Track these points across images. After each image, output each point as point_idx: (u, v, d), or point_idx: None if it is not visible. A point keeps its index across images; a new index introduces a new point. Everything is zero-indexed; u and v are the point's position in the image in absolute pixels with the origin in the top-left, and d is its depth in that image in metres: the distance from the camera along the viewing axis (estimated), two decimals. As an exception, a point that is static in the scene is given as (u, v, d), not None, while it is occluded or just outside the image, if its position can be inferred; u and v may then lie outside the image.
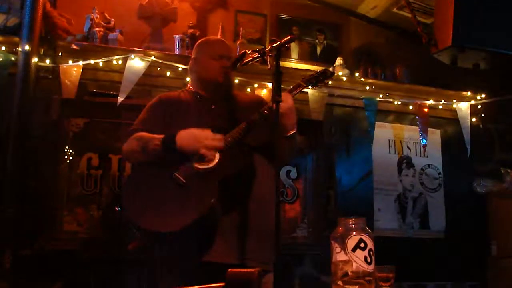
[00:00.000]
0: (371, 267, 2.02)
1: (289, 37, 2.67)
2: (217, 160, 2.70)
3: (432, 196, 5.68)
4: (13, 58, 4.35)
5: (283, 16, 5.84)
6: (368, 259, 2.02)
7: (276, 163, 2.59)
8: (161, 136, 2.77)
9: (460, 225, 5.57)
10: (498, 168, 5.65)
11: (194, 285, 1.72)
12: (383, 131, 5.59)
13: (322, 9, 5.92)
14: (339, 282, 2.01)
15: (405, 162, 5.67)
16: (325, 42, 5.93)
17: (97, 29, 4.83)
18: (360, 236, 2.04)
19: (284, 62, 5.32)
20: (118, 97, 4.51)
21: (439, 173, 5.76)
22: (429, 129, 5.64)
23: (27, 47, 4.20)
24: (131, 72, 4.61)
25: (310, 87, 3.22)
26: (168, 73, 4.80)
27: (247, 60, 2.79)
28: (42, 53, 4.46)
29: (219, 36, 5.06)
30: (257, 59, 2.78)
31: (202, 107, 2.99)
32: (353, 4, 5.96)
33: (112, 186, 4.70)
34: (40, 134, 4.42)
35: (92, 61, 4.61)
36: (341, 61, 5.50)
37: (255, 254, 2.73)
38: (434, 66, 4.96)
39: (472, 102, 5.76)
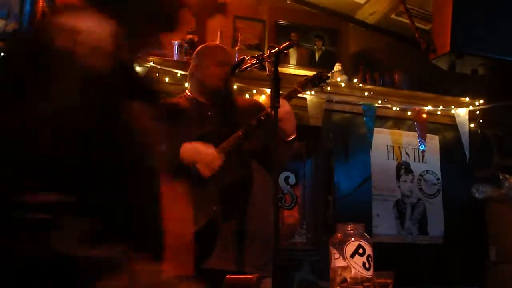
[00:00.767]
0: (369, 273, 2.02)
1: (287, 43, 2.68)
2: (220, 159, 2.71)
3: (431, 202, 5.68)
4: (11, 64, 4.34)
5: (281, 22, 5.85)
6: (367, 265, 2.02)
7: (274, 168, 2.59)
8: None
9: (459, 231, 5.56)
10: (497, 174, 5.65)
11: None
12: (382, 137, 5.59)
13: (320, 15, 5.93)
14: (338, 288, 2.01)
15: (403, 168, 5.67)
16: (323, 48, 5.94)
17: (96, 35, 4.82)
18: (358, 242, 2.04)
19: (282, 68, 5.31)
20: (117, 103, 4.50)
21: (438, 179, 5.76)
22: (427, 135, 5.65)
23: (25, 53, 4.20)
24: (129, 78, 4.60)
25: (307, 91, 3.23)
26: (166, 79, 4.80)
27: (245, 66, 2.80)
28: (40, 59, 4.45)
29: (217, 42, 5.08)
30: (255, 65, 2.79)
31: (200, 113, 2.99)
32: (352, 10, 5.97)
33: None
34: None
35: (90, 67, 4.61)
36: (340, 67, 5.50)
37: (253, 260, 2.74)
38: (433, 72, 4.98)
39: (471, 108, 5.77)
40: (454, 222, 5.63)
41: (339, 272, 2.03)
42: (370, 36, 6.11)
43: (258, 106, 3.22)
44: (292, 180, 5.30)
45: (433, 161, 5.78)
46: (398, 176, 5.63)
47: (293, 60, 5.78)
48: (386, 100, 5.57)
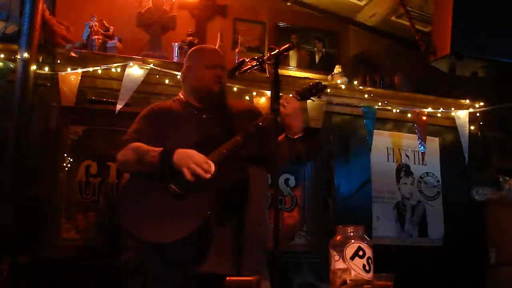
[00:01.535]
0: (369, 275, 2.02)
1: (287, 45, 2.68)
2: (212, 172, 2.70)
3: (431, 204, 5.68)
4: (12, 66, 4.34)
5: (281, 24, 5.86)
6: (367, 267, 2.02)
7: (274, 168, 2.59)
8: (159, 149, 2.76)
9: (459, 233, 5.56)
10: (497, 176, 5.65)
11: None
12: (382, 139, 5.59)
13: (320, 17, 5.94)
14: (338, 291, 2.01)
15: (403, 170, 5.67)
16: (323, 50, 5.94)
17: (96, 36, 4.83)
18: (358, 244, 2.04)
19: (282, 70, 5.32)
20: (117, 105, 4.51)
21: (438, 181, 5.76)
22: (427, 137, 5.64)
23: (26, 55, 4.20)
24: (129, 80, 4.61)
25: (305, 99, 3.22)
26: (166, 81, 4.80)
27: (245, 68, 2.80)
28: (40, 60, 4.46)
29: (217, 44, 5.08)
30: (255, 67, 2.79)
31: (193, 118, 2.99)
32: (352, 12, 5.98)
33: (110, 193, 4.69)
34: (38, 142, 4.41)
35: (90, 69, 4.61)
36: (340, 69, 5.50)
37: (250, 263, 2.73)
38: (433, 74, 4.98)
39: (471, 110, 5.76)
40: (454, 225, 5.63)
41: (339, 274, 2.03)
42: (370, 38, 6.13)
43: (253, 110, 3.22)
44: (292, 182, 5.30)
45: (433, 163, 5.78)
46: (398, 178, 5.63)
47: (293, 62, 5.79)
48: (386, 102, 5.57)
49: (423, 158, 5.71)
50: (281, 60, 2.71)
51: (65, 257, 4.36)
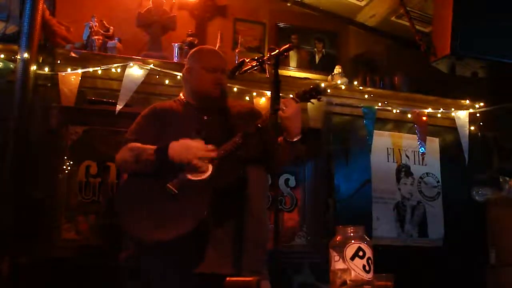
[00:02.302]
0: (369, 276, 2.02)
1: (287, 45, 2.68)
2: (210, 172, 2.70)
3: (431, 205, 5.68)
4: (12, 66, 4.35)
5: (281, 25, 5.86)
6: (367, 268, 2.02)
7: (273, 170, 2.59)
8: (154, 147, 2.76)
9: (459, 234, 5.56)
10: (497, 177, 5.64)
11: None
12: (382, 140, 5.59)
13: (320, 18, 5.94)
14: (338, 291, 2.01)
15: (403, 171, 5.66)
16: (323, 50, 5.94)
17: (96, 37, 4.83)
18: (358, 245, 2.04)
19: (282, 71, 5.32)
20: (117, 105, 4.51)
21: (438, 182, 5.75)
22: (427, 137, 5.64)
23: (26, 55, 4.20)
24: (129, 80, 4.61)
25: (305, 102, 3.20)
26: (166, 81, 4.80)
27: (245, 68, 2.79)
28: (41, 61, 4.46)
29: (217, 44, 5.08)
30: (255, 68, 2.79)
31: (194, 118, 2.98)
32: (352, 13, 5.98)
33: (110, 194, 4.69)
34: (39, 142, 4.41)
35: (91, 69, 4.62)
36: (340, 70, 5.50)
37: (249, 264, 2.73)
38: (433, 74, 4.98)
39: (471, 110, 5.76)
40: (454, 225, 5.63)
41: (339, 274, 2.03)
42: (370, 39, 6.13)
43: (254, 111, 3.21)
44: (292, 182, 5.30)
45: (433, 164, 5.77)
46: (398, 179, 5.63)
47: (293, 62, 5.79)
48: (386, 102, 5.57)
49: (423, 159, 5.71)
50: (281, 61, 2.71)
51: (65, 257, 4.36)
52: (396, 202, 5.56)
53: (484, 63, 4.46)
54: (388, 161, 5.62)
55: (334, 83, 5.41)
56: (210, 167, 2.71)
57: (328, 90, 5.27)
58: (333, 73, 5.51)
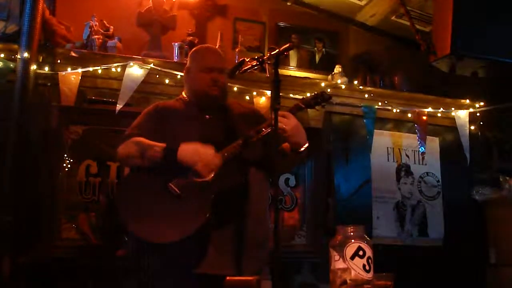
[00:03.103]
0: (369, 275, 2.02)
1: (287, 45, 2.68)
2: (213, 174, 2.70)
3: (431, 204, 5.67)
4: (12, 66, 4.34)
5: (281, 24, 5.86)
6: (367, 267, 2.02)
7: (275, 174, 2.60)
8: (162, 144, 2.77)
9: (459, 233, 5.56)
10: (497, 176, 5.65)
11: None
12: (382, 139, 5.59)
13: (320, 17, 5.94)
14: (338, 290, 2.01)
15: (403, 170, 5.66)
16: (323, 50, 5.94)
17: (96, 36, 4.83)
18: (358, 244, 2.05)
19: (282, 70, 5.32)
20: (117, 105, 4.51)
21: (438, 181, 5.75)
22: (427, 137, 5.64)
23: (26, 55, 4.20)
24: (130, 80, 4.61)
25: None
26: (167, 81, 4.80)
27: (245, 68, 2.79)
28: (41, 60, 4.46)
29: (217, 44, 5.08)
30: (255, 67, 2.79)
31: (196, 118, 2.99)
32: (352, 12, 5.98)
33: (110, 193, 4.68)
34: (39, 142, 4.41)
35: (91, 69, 4.61)
36: (340, 69, 5.50)
37: (250, 265, 2.74)
38: (433, 74, 4.98)
39: (471, 110, 5.76)
40: (454, 224, 5.62)
41: (339, 274, 2.04)
42: (370, 38, 6.13)
43: (257, 114, 3.22)
44: (292, 182, 5.29)
45: (433, 163, 5.77)
46: (398, 178, 5.63)
47: (293, 62, 5.79)
48: (386, 102, 5.57)
49: (423, 158, 5.71)
50: (281, 60, 2.71)
51: (65, 257, 4.36)
52: (396, 201, 5.55)
53: (484, 63, 4.46)
54: (388, 160, 5.61)
55: (334, 82, 5.41)
56: (217, 154, 2.74)
57: (328, 90, 5.27)
58: (333, 73, 5.51)
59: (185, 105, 3.08)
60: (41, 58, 4.46)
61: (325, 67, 5.77)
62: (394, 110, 5.59)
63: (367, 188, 5.43)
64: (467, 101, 5.82)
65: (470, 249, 5.44)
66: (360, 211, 5.30)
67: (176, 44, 5.07)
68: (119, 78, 4.64)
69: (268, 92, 4.94)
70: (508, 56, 4.36)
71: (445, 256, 5.47)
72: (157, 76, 4.80)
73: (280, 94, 2.57)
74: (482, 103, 5.79)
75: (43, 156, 4.46)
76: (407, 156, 5.70)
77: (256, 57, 2.76)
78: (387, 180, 5.56)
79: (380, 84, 5.74)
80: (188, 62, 3.18)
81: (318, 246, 5.11)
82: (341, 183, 5.35)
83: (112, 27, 4.99)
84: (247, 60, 2.82)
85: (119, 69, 4.67)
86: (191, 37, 5.18)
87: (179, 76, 4.75)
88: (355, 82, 5.54)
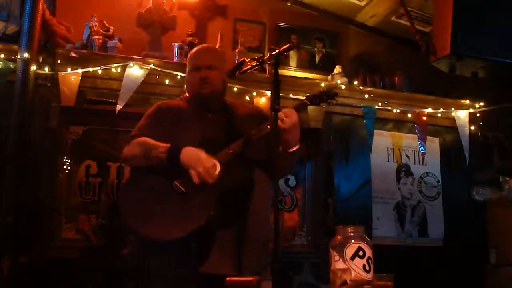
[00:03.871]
0: (369, 276, 2.02)
1: (287, 45, 2.68)
2: (217, 174, 2.72)
3: (431, 204, 5.68)
4: (12, 66, 4.35)
5: (281, 25, 5.86)
6: (367, 268, 2.02)
7: (276, 175, 2.60)
8: (166, 145, 2.78)
9: (459, 233, 5.56)
10: (497, 176, 5.64)
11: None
12: (382, 139, 5.59)
13: (320, 18, 5.94)
14: (338, 291, 2.01)
15: (403, 170, 5.66)
16: (323, 50, 5.94)
17: (96, 37, 4.84)
18: (358, 244, 2.04)
19: (282, 70, 5.32)
20: (117, 105, 4.51)
21: (438, 181, 5.75)
22: (427, 137, 5.64)
23: (26, 55, 4.20)
24: (130, 80, 4.61)
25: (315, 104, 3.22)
26: (167, 81, 4.80)
27: (245, 68, 2.80)
28: (41, 60, 4.46)
29: (218, 44, 5.08)
30: (255, 67, 2.79)
31: (199, 117, 3.00)
32: (352, 13, 5.98)
33: (110, 193, 4.69)
34: (39, 142, 4.42)
35: (91, 69, 4.61)
36: (340, 69, 5.50)
37: (251, 264, 2.74)
38: (433, 74, 4.97)
39: (471, 110, 5.76)
40: (454, 225, 5.62)
41: (339, 274, 2.03)
42: (370, 39, 6.13)
43: (260, 113, 3.23)
44: (292, 182, 5.29)
45: (433, 164, 5.77)
46: (398, 179, 5.63)
47: (293, 62, 5.79)
48: (386, 102, 5.57)
49: (423, 158, 5.71)
50: (281, 60, 2.71)
51: (65, 257, 4.36)
52: (396, 202, 5.56)
53: (484, 63, 4.45)
54: (388, 161, 5.61)
55: (334, 83, 5.41)
56: (218, 168, 2.73)
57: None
58: (333, 73, 5.51)
59: (188, 104, 3.10)
60: (41, 58, 4.46)
61: (325, 68, 5.77)
62: (394, 111, 5.59)
63: (367, 189, 5.44)
64: (467, 101, 5.82)
65: (470, 250, 5.44)
66: (360, 211, 5.31)
67: (176, 44, 5.07)
68: (119, 78, 4.64)
69: (268, 93, 4.94)
70: (508, 56, 4.36)
71: (445, 257, 5.47)
72: (157, 76, 4.80)
73: (280, 94, 2.57)
74: (482, 104, 5.79)
75: (43, 156, 4.46)
76: (407, 156, 5.70)
77: (256, 57, 2.76)
78: (387, 181, 5.56)
79: (380, 85, 5.74)
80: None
81: (318, 246, 5.11)
82: (341, 184, 5.36)
83: (112, 27, 5.00)
84: (247, 60, 2.83)
85: (119, 70, 4.67)
86: (191, 38, 5.18)
87: (179, 77, 4.75)
88: (355, 83, 5.54)
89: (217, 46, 4.99)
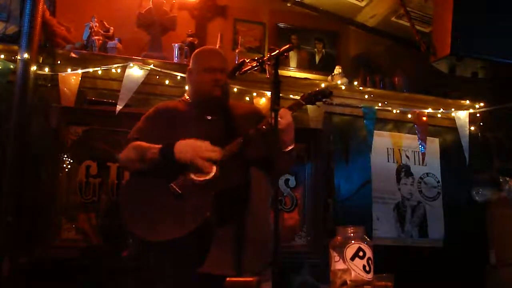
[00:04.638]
0: (369, 276, 2.02)
1: (287, 45, 2.68)
2: (214, 173, 2.72)
3: (431, 205, 5.68)
4: (12, 66, 4.35)
5: (281, 25, 5.86)
6: (367, 268, 2.02)
7: (273, 175, 2.60)
8: (159, 146, 2.78)
9: (459, 234, 5.55)
10: (497, 177, 5.64)
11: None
12: (382, 140, 5.59)
13: (320, 18, 5.94)
14: (338, 291, 2.01)
15: (403, 171, 5.66)
16: (323, 50, 5.94)
17: (96, 37, 4.84)
18: (359, 245, 2.05)
19: (282, 71, 5.32)
20: (117, 105, 4.51)
21: (438, 182, 5.75)
22: (427, 137, 5.64)
23: (26, 55, 4.20)
24: (130, 81, 4.61)
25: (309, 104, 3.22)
26: (167, 82, 4.80)
27: (245, 68, 2.80)
28: (41, 61, 4.46)
29: (217, 45, 5.08)
30: (255, 68, 2.79)
31: (198, 118, 3.00)
32: (352, 13, 5.98)
33: (110, 194, 4.69)
34: (39, 142, 4.41)
35: (91, 69, 4.62)
36: (340, 70, 5.50)
37: (251, 265, 2.74)
38: (433, 74, 4.98)
39: (471, 110, 5.76)
40: (454, 225, 5.62)
41: (339, 275, 2.04)
42: (370, 39, 6.13)
43: (258, 113, 3.23)
44: (292, 182, 5.29)
45: (433, 164, 5.77)
46: (398, 179, 5.63)
47: (293, 62, 5.79)
48: (386, 102, 5.57)
49: (423, 159, 5.70)
50: (281, 61, 2.71)
51: (65, 257, 4.36)
52: (396, 202, 5.56)
53: (484, 63, 4.46)
54: (388, 161, 5.61)
55: (334, 83, 5.41)
56: (214, 168, 2.73)
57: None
58: (333, 73, 5.51)
59: (187, 106, 3.10)
60: (41, 59, 4.47)
61: (325, 68, 5.77)
62: (394, 111, 5.59)
63: (367, 189, 5.44)
64: (467, 101, 5.82)
65: (470, 250, 5.44)
66: (360, 211, 5.30)
67: (176, 45, 5.07)
68: (119, 79, 4.64)
69: (268, 93, 4.94)
70: (508, 56, 4.37)
71: (445, 257, 5.47)
72: (157, 77, 4.80)
73: (280, 95, 2.57)
74: (482, 104, 5.79)
75: (43, 156, 4.46)
76: (407, 156, 5.70)
77: (256, 58, 2.76)
78: (387, 181, 5.56)
79: (380, 85, 5.74)
80: (191, 63, 3.19)
81: (318, 246, 5.10)
82: (341, 184, 5.36)
83: (112, 28, 5.00)
84: (247, 61, 2.82)
85: (119, 70, 4.67)
86: (191, 38, 5.18)
87: (179, 77, 4.75)
88: (355, 83, 5.54)
89: (217, 47, 5.00)
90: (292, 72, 5.68)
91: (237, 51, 5.34)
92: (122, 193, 3.50)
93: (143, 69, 4.67)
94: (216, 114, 3.04)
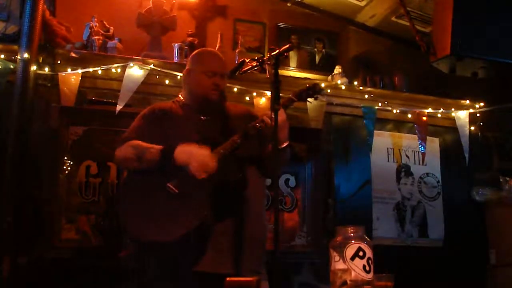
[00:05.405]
0: (369, 276, 2.02)
1: (287, 45, 2.69)
2: (206, 174, 2.72)
3: (431, 205, 5.68)
4: (12, 66, 4.35)
5: (281, 25, 5.86)
6: (367, 268, 2.02)
7: (268, 173, 2.61)
8: (159, 146, 2.78)
9: (459, 234, 5.56)
10: (497, 177, 5.65)
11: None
12: (382, 140, 5.59)
13: (320, 18, 5.94)
14: (338, 291, 2.01)
15: (403, 171, 5.66)
16: (323, 50, 5.94)
17: (96, 37, 4.83)
18: (359, 245, 2.05)
19: (282, 71, 5.32)
20: (117, 105, 4.51)
21: (438, 182, 5.75)
22: (427, 137, 5.64)
23: (26, 55, 4.20)
24: (130, 80, 4.61)
25: (304, 101, 3.23)
26: (167, 81, 4.80)
27: (246, 68, 2.80)
28: (41, 61, 4.46)
29: (217, 45, 5.08)
30: (256, 68, 2.80)
31: (192, 119, 3.00)
32: (352, 13, 5.98)
33: (110, 194, 4.68)
34: (38, 142, 4.41)
35: (91, 69, 4.62)
36: (340, 70, 5.50)
37: (248, 263, 2.75)
38: (433, 74, 4.98)
39: (471, 110, 5.76)
40: (454, 225, 5.62)
41: (339, 275, 2.04)
42: (371, 39, 6.13)
43: (250, 114, 3.23)
44: (292, 182, 5.29)
45: (433, 164, 5.77)
46: (398, 179, 5.63)
47: (293, 62, 5.78)
48: (386, 102, 5.57)
49: (423, 159, 5.71)
50: (281, 61, 2.71)
51: (65, 257, 4.36)
52: (396, 202, 5.56)
53: (484, 63, 4.46)
54: (388, 161, 5.62)
55: (334, 83, 5.42)
56: (214, 158, 2.74)
57: (328, 90, 5.28)
58: (333, 73, 5.51)
59: (181, 107, 3.10)
60: (41, 58, 4.46)
61: (325, 68, 5.77)
62: (394, 111, 5.59)
63: (367, 189, 5.44)
64: (467, 101, 5.82)
65: (470, 250, 5.44)
66: (360, 211, 5.31)
67: (176, 45, 5.07)
68: (119, 78, 4.64)
69: (268, 93, 4.94)
70: (508, 56, 4.37)
71: (445, 257, 5.47)
72: (157, 76, 4.80)
73: (280, 94, 2.57)
74: (482, 104, 5.79)
75: (43, 156, 4.46)
76: (407, 156, 5.70)
77: (256, 57, 2.77)
78: (387, 181, 5.56)
79: (380, 85, 5.74)
80: (188, 64, 3.18)
81: (318, 246, 5.11)
82: (341, 184, 5.36)
83: (112, 27, 4.99)
84: (247, 60, 2.83)
85: (119, 70, 4.67)
86: (191, 38, 5.18)
87: (179, 77, 4.75)
88: (355, 83, 5.54)
89: (217, 47, 5.00)
90: (292, 72, 5.68)
91: (237, 51, 5.34)
92: (119, 195, 3.51)
93: (143, 69, 4.67)
94: (211, 115, 3.04)
